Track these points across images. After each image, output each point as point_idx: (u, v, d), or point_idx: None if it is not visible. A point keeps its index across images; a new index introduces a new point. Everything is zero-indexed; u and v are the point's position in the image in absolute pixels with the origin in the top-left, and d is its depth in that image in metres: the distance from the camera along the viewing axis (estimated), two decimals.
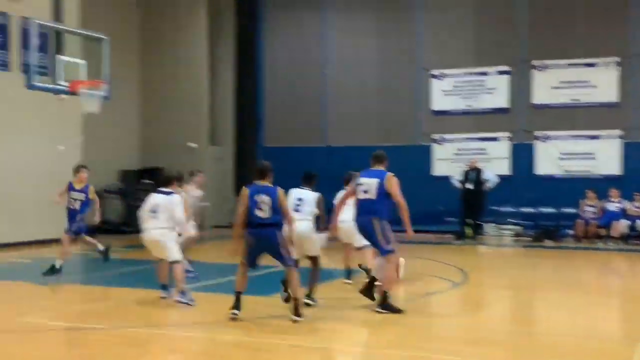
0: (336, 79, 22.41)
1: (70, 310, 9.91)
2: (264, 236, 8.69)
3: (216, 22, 23.73)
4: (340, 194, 10.54)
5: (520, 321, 9.63)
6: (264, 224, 8.66)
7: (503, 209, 20.04)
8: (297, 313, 8.61)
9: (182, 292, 9.75)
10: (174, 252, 9.86)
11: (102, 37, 14.59)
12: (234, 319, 8.58)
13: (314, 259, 9.63)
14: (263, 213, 8.65)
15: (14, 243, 16.83)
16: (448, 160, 21.11)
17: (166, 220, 9.83)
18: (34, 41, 13.58)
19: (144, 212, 9.94)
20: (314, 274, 9.64)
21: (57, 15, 14.86)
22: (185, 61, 22.81)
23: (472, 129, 20.95)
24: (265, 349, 7.59)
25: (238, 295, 8.74)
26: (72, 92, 13.98)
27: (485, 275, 13.81)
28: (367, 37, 22.12)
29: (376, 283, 9.44)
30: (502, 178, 19.58)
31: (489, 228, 19.73)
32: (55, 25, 14.34)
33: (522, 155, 20.33)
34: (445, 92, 21.28)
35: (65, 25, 14.69)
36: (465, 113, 21.08)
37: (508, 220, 19.92)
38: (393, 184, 9.38)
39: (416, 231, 9.78)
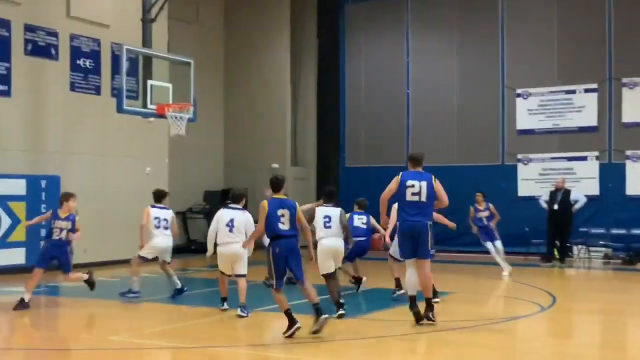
0: (417, 98, 22.32)
1: (155, 329, 10.09)
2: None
3: (298, 44, 24.02)
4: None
5: (610, 346, 9.26)
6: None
7: (593, 230, 19.44)
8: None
9: (243, 306, 10.23)
10: (245, 266, 10.54)
11: (189, 60, 14.97)
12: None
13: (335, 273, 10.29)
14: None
15: (105, 262, 17.30)
16: (533, 180, 20.67)
17: (241, 234, 10.31)
18: (124, 66, 14.03)
19: (220, 226, 10.38)
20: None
21: (146, 40, 15.29)
22: (268, 83, 23.15)
23: (559, 148, 20.48)
24: None
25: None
26: (160, 115, 14.35)
27: (574, 299, 13.38)
28: (449, 55, 21.98)
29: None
30: (591, 198, 19.01)
31: (578, 250, 19.16)
32: (144, 51, 14.76)
33: (612, 174, 19.71)
34: (530, 111, 20.89)
35: (153, 50, 15.09)
36: (551, 132, 20.63)
37: (598, 242, 19.31)
38: (440, 185, 9.36)
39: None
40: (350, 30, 23.62)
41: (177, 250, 20.29)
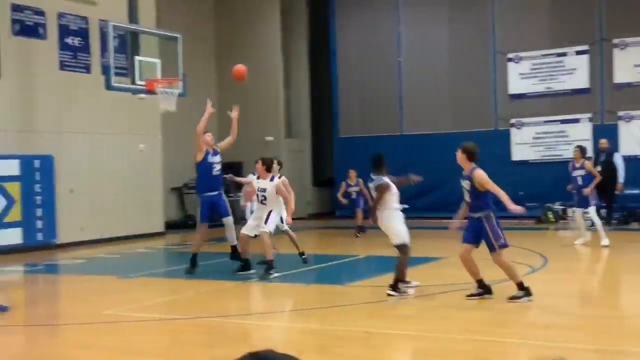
0: (409, 66, 22.29)
1: (151, 302, 10.20)
2: None
3: (289, 16, 23.93)
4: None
5: (601, 305, 9.38)
6: None
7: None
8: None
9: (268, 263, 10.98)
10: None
11: (176, 35, 14.94)
12: None
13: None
14: None
15: (100, 239, 17.43)
16: (527, 144, 20.72)
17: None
18: (112, 43, 14.01)
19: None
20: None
21: (133, 16, 15.25)
22: (259, 56, 23.07)
23: (551, 111, 20.50)
24: (338, 335, 7.66)
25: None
26: (150, 91, 14.35)
27: (567, 260, 13.48)
28: (440, 23, 21.92)
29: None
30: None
31: (572, 213, 19.21)
32: (131, 27, 14.73)
33: (605, 136, 19.70)
34: (522, 75, 20.87)
35: (141, 26, 15.06)
36: (544, 95, 20.64)
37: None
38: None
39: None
40: (340, 0, 23.51)
41: (173, 226, 20.49)
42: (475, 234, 8.91)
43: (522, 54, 20.81)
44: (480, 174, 8.87)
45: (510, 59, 20.97)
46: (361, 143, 21.72)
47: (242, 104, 23.59)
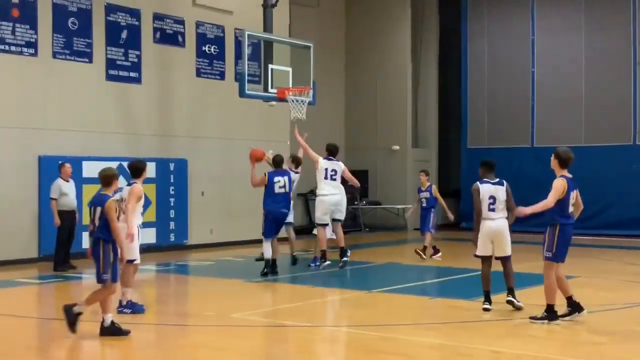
0: (543, 77, 21.66)
1: (277, 307, 10.36)
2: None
3: (419, 23, 23.79)
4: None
5: None
6: None
7: None
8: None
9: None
10: None
11: (309, 44, 15.16)
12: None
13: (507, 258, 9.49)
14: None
15: (230, 242, 17.89)
16: None
17: None
18: (246, 51, 14.38)
19: None
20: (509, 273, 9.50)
21: (267, 25, 15.60)
22: (388, 65, 23.09)
23: None
24: (464, 352, 7.50)
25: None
26: (281, 99, 14.64)
27: None
28: (575, 31, 21.19)
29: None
30: None
31: None
32: (265, 35, 15.06)
33: None
34: None
35: (274, 35, 15.38)
36: None
37: None
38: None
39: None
40: (473, 7, 23.16)
41: (299, 232, 20.76)
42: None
43: None
44: (554, 183, 8.45)
45: None
46: (490, 154, 21.24)
47: (369, 112, 23.84)
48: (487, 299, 9.41)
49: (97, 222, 7.90)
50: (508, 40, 22.46)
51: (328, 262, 12.93)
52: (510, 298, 9.38)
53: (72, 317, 7.92)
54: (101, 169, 8.28)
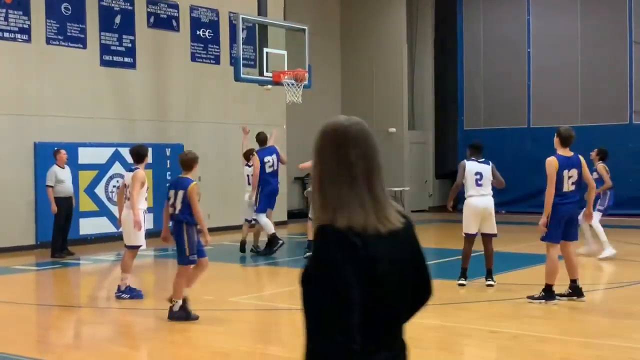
0: (538, 57, 21.59)
1: (273, 291, 10.38)
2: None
3: (415, 6, 23.69)
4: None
5: None
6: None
7: None
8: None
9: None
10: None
11: (303, 27, 15.10)
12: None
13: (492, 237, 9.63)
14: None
15: (227, 227, 17.88)
16: None
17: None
18: (241, 35, 14.32)
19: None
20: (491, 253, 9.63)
21: (262, 8, 15.52)
22: (384, 46, 22.99)
23: None
24: (463, 333, 7.53)
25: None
26: (276, 83, 14.59)
27: None
28: (571, 11, 21.09)
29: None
30: None
31: None
32: (260, 19, 14.99)
33: None
34: None
35: (268, 18, 15.31)
36: None
37: None
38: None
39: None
40: None
41: (296, 215, 20.78)
42: None
43: None
44: (546, 165, 8.42)
45: None
46: (486, 135, 21.20)
47: (365, 96, 23.76)
48: (463, 275, 9.66)
49: (178, 205, 7.92)
50: (504, 20, 22.37)
51: None
52: (491, 282, 9.52)
53: (186, 314, 7.90)
54: (182, 152, 8.31)
